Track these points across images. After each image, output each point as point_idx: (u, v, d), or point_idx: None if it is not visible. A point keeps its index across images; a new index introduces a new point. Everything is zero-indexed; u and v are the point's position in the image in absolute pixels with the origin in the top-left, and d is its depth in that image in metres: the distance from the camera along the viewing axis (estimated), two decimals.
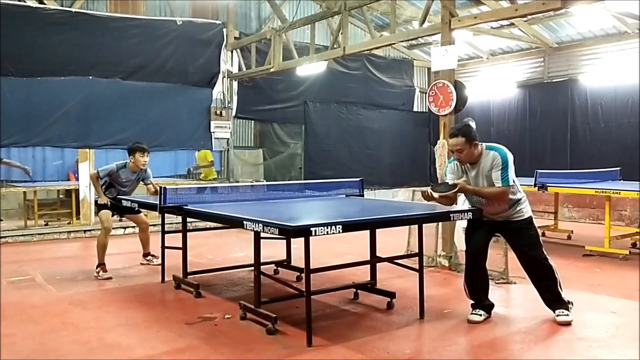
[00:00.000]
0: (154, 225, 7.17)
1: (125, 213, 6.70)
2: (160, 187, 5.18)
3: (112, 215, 6.56)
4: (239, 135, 12.47)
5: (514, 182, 4.30)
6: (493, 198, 4.30)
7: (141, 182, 6.69)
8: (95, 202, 6.62)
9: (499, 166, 4.21)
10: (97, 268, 6.19)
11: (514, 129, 12.49)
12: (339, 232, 3.72)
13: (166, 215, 5.55)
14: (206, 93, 11.66)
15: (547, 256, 4.43)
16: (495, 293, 5.38)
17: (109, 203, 6.37)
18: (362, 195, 6.04)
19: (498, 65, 13.19)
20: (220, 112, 11.73)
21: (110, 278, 6.08)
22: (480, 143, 4.33)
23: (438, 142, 6.73)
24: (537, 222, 9.42)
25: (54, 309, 4.90)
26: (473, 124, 4.81)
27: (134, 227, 9.08)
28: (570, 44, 11.75)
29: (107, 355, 3.79)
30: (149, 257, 6.86)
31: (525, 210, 4.46)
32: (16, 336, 4.13)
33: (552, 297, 4.43)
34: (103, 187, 6.43)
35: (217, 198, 5.60)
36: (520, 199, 4.42)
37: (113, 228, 8.96)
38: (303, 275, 4.60)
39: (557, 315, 4.35)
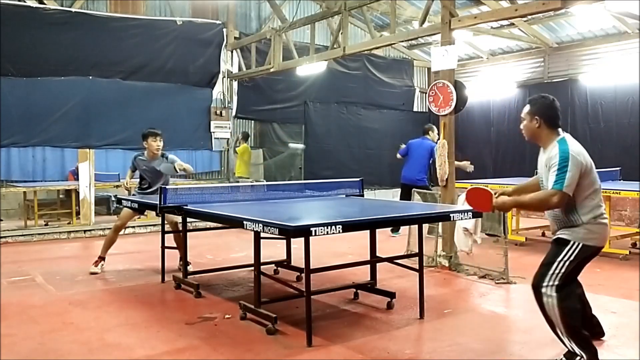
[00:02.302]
0: (154, 225, 7.19)
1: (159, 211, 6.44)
2: (161, 187, 5.18)
3: (143, 214, 6.52)
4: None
5: (574, 195, 3.35)
6: (531, 208, 3.71)
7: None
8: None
9: (555, 165, 3.34)
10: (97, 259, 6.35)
11: (514, 129, 12.37)
12: (339, 232, 3.72)
13: (166, 215, 5.56)
14: (206, 93, 11.68)
15: (546, 287, 3.41)
16: (495, 293, 5.39)
17: (131, 190, 6.47)
18: (362, 195, 6.04)
19: (498, 65, 13.18)
20: (220, 112, 11.74)
21: (96, 273, 6.19)
22: (554, 128, 3.53)
23: (438, 142, 6.73)
24: (537, 222, 9.45)
25: (54, 309, 4.90)
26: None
27: (133, 227, 9.12)
28: (570, 44, 11.75)
29: (107, 355, 3.79)
30: (182, 263, 5.94)
31: (578, 236, 3.41)
32: (16, 336, 4.13)
33: (556, 335, 3.49)
34: (137, 178, 6.60)
35: (217, 198, 5.60)
36: (579, 224, 3.41)
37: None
38: (303, 275, 4.60)
39: None
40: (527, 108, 3.66)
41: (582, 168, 3.37)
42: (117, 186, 9.37)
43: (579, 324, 3.44)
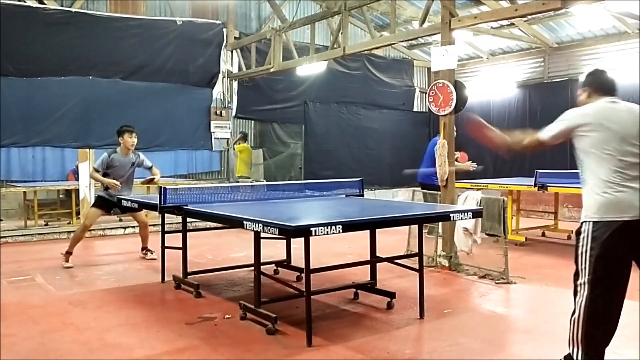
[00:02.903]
0: (154, 225, 7.18)
1: (126, 210, 6.67)
2: (161, 187, 5.18)
3: (110, 213, 6.67)
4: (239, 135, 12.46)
5: (583, 160, 3.07)
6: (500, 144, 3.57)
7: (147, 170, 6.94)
8: (97, 197, 6.80)
9: None
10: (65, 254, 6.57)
11: (514, 129, 12.27)
12: (339, 232, 3.72)
13: (166, 215, 5.55)
14: (206, 93, 11.69)
15: (579, 285, 3.02)
16: (495, 293, 5.39)
17: (119, 187, 6.53)
18: (362, 195, 6.04)
19: (498, 65, 13.19)
20: (220, 112, 11.75)
21: (71, 267, 6.45)
22: (601, 94, 3.21)
23: (438, 142, 6.72)
24: (537, 222, 9.45)
25: (54, 309, 4.90)
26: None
27: (133, 227, 9.12)
28: (570, 44, 11.76)
29: (107, 355, 3.79)
30: (145, 251, 7.09)
31: (586, 213, 2.98)
32: (16, 336, 4.13)
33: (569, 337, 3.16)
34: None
35: (217, 198, 5.60)
36: (588, 196, 2.99)
37: (112, 228, 9.06)
38: (303, 275, 4.60)
39: None
40: (579, 86, 3.41)
41: (575, 122, 3.15)
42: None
43: (598, 332, 3.06)
